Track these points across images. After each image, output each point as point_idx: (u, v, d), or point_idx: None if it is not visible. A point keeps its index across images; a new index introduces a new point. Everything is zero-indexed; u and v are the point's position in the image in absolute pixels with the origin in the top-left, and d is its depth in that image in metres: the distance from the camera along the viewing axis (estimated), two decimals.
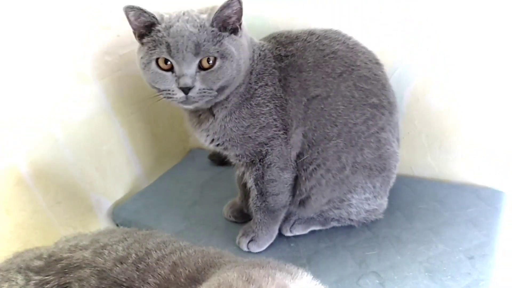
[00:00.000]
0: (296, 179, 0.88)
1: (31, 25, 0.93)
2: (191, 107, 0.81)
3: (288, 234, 0.95)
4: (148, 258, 0.65)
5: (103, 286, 0.62)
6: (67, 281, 0.65)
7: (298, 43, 0.86)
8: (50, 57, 0.98)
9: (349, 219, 0.93)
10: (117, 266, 0.65)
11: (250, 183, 0.88)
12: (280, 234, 0.95)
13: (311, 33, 0.88)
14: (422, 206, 0.98)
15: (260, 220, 0.91)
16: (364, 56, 0.88)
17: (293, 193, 0.90)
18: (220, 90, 0.78)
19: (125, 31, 1.11)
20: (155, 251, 0.67)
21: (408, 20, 0.93)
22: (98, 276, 0.64)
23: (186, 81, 0.75)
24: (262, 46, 0.86)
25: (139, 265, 0.64)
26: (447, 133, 1.02)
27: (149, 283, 0.61)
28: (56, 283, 0.65)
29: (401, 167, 1.07)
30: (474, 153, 1.01)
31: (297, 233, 0.95)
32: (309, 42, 0.86)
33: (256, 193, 0.89)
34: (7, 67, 0.90)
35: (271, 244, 0.94)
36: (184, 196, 1.15)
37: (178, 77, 0.75)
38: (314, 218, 0.94)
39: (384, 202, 0.95)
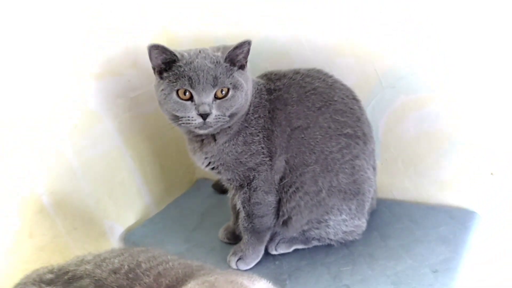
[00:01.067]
0: (279, 202, 1.00)
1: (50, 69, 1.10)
2: (206, 131, 0.94)
3: (274, 252, 1.05)
4: (138, 269, 0.78)
5: None
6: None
7: (285, 80, 1.00)
8: (73, 101, 1.14)
9: (328, 238, 1.02)
10: (112, 275, 0.77)
11: (239, 205, 1.01)
12: (267, 253, 1.05)
13: (296, 72, 1.02)
14: (397, 226, 1.07)
15: (247, 240, 1.03)
16: (342, 92, 1.01)
17: (277, 215, 1.01)
18: (232, 116, 0.92)
19: (135, 76, 1.30)
20: (145, 263, 0.79)
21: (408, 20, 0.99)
22: (95, 285, 0.76)
23: (205, 108, 0.88)
24: (258, 82, 1.00)
25: (129, 274, 0.77)
26: (420, 157, 1.11)
27: None
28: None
29: (383, 191, 1.17)
30: (446, 176, 1.09)
31: (282, 252, 1.05)
32: (294, 79, 1.00)
33: (244, 215, 1.01)
34: (33, 107, 1.06)
35: (258, 262, 1.04)
36: (186, 222, 1.28)
37: (197, 106, 0.89)
38: (297, 238, 1.04)
39: (362, 224, 1.04)
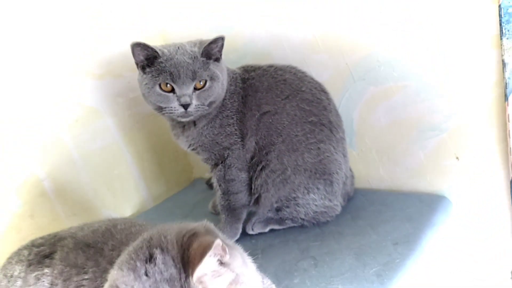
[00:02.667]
0: (251, 180, 1.08)
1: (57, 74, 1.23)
2: (187, 119, 1.04)
3: (251, 232, 1.12)
4: (113, 229, 0.87)
5: (76, 247, 0.84)
6: (55, 249, 0.88)
7: (259, 71, 1.10)
8: (75, 98, 1.27)
9: (301, 218, 1.09)
10: (90, 234, 0.87)
11: (215, 183, 1.09)
12: (245, 233, 1.12)
13: (270, 65, 1.12)
14: (369, 209, 1.13)
15: (225, 219, 1.10)
16: (310, 84, 1.10)
17: (250, 193, 1.09)
18: (210, 104, 1.02)
19: (134, 78, 1.42)
20: (120, 225, 0.88)
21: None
22: (74, 242, 0.86)
23: (186, 99, 0.99)
24: (234, 71, 1.11)
25: (105, 233, 0.86)
26: (392, 146, 1.18)
27: (107, 244, 0.82)
28: (48, 251, 0.88)
29: (360, 181, 1.23)
30: (416, 162, 1.15)
31: (258, 231, 1.11)
32: (267, 71, 1.10)
33: (220, 192, 1.09)
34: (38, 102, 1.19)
35: (236, 240, 1.11)
36: (178, 212, 1.37)
37: (179, 97, 0.99)
38: (272, 218, 1.11)
39: (334, 206, 1.10)
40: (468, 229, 1.11)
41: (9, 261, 0.93)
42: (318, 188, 1.06)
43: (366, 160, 1.23)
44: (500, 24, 0.92)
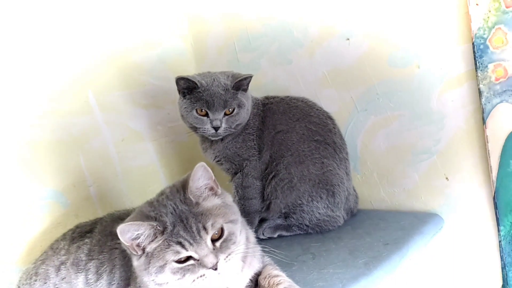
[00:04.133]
0: (264, 189, 1.25)
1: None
2: (216, 139, 1.26)
3: (261, 236, 1.26)
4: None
5: (112, 221, 1.04)
6: (95, 226, 1.07)
7: (277, 99, 1.33)
8: (126, 122, 1.52)
9: (305, 225, 1.23)
10: (125, 212, 1.06)
11: (233, 189, 1.27)
12: (256, 237, 1.27)
13: (287, 96, 1.34)
14: (368, 222, 1.26)
15: None
16: (318, 111, 1.30)
17: (263, 201, 1.26)
18: (236, 126, 1.24)
19: (173, 111, 1.67)
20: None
21: None
22: (111, 218, 1.06)
23: (217, 123, 1.21)
24: (257, 98, 1.33)
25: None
26: (390, 169, 1.33)
27: None
28: (88, 228, 1.07)
29: (363, 203, 1.38)
30: (411, 184, 1.29)
31: (268, 236, 1.26)
32: (283, 99, 1.32)
33: (237, 198, 1.27)
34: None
35: None
36: None
37: (211, 121, 1.21)
38: (280, 224, 1.26)
39: (336, 217, 1.24)
40: (457, 241, 1.21)
41: (57, 240, 1.13)
42: (321, 197, 1.21)
43: (369, 183, 1.38)
44: (475, 59, 1.10)
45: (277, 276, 0.89)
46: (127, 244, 0.79)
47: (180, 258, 0.77)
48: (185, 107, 1.25)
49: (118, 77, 1.54)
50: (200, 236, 0.77)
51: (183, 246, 0.76)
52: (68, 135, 1.40)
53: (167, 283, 0.78)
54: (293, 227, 1.25)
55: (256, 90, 1.38)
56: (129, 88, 1.56)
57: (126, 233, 0.77)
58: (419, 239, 1.11)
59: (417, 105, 1.24)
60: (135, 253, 0.80)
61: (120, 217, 1.04)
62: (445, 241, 1.22)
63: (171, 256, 0.76)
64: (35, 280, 1.03)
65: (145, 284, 0.82)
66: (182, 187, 0.82)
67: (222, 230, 0.79)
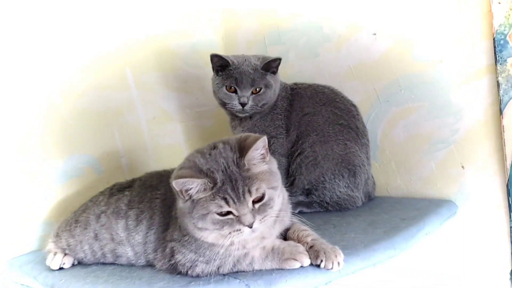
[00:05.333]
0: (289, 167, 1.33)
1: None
2: (243, 115, 1.35)
3: None
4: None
5: (152, 175, 1.12)
6: (134, 183, 1.15)
7: (305, 85, 1.42)
8: (158, 102, 1.62)
9: (326, 202, 1.30)
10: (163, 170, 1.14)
11: None
12: None
13: (314, 83, 1.43)
14: (385, 205, 1.33)
15: None
16: (343, 98, 1.39)
17: (287, 177, 1.33)
18: (262, 106, 1.33)
19: (201, 97, 1.76)
20: None
21: None
22: (150, 174, 1.15)
23: (244, 100, 1.31)
24: (285, 83, 1.42)
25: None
26: (408, 158, 1.40)
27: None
28: (127, 185, 1.15)
29: (380, 190, 1.45)
30: (427, 172, 1.36)
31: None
32: (311, 86, 1.42)
33: None
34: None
35: None
36: None
37: (239, 97, 1.31)
38: (302, 201, 1.33)
39: (355, 197, 1.32)
40: (469, 227, 1.28)
41: (95, 195, 1.20)
42: (343, 176, 1.29)
43: (386, 170, 1.45)
44: (495, 53, 1.19)
45: (305, 230, 0.96)
46: (177, 190, 0.85)
47: (222, 212, 0.83)
48: (217, 83, 1.35)
49: (155, 59, 1.64)
50: (244, 198, 0.83)
51: (227, 202, 0.82)
52: (107, 107, 1.50)
53: (206, 229, 0.85)
54: (314, 204, 1.32)
55: (283, 80, 1.47)
56: (163, 71, 1.66)
57: (179, 185, 0.83)
58: (434, 218, 1.18)
59: (437, 97, 1.32)
60: (182, 197, 0.86)
61: (160, 172, 1.12)
62: (458, 227, 1.28)
63: (214, 208, 0.83)
64: (75, 227, 1.11)
65: (185, 225, 0.89)
66: (239, 150, 0.86)
67: (263, 194, 0.86)
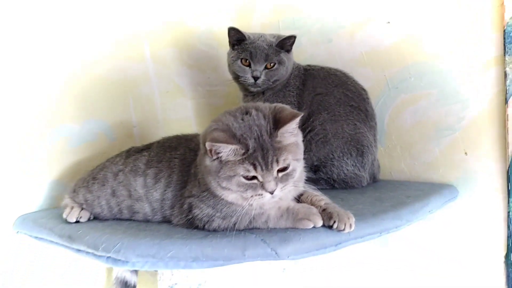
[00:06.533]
0: None
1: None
2: (255, 90, 1.40)
3: None
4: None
5: (171, 137, 1.16)
6: (151, 145, 1.18)
7: (317, 67, 1.47)
8: (169, 75, 1.65)
9: (333, 179, 1.35)
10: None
11: None
12: None
13: (326, 66, 1.47)
14: (389, 186, 1.38)
15: None
16: (354, 82, 1.44)
17: None
18: (274, 81, 1.38)
19: (213, 76, 1.80)
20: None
21: None
22: (168, 137, 1.17)
23: (257, 74, 1.36)
24: (299, 64, 1.47)
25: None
26: (413, 143, 1.45)
27: (196, 138, 1.12)
28: (144, 148, 1.18)
29: (383, 174, 1.50)
30: (432, 157, 1.41)
31: None
32: (323, 68, 1.46)
33: None
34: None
35: None
36: None
37: (252, 71, 1.36)
38: (309, 177, 1.34)
39: (361, 176, 1.36)
40: (468, 212, 1.33)
41: (112, 156, 1.23)
42: (351, 154, 1.33)
43: (391, 155, 1.50)
44: (504, 44, 1.24)
45: (318, 195, 1.00)
46: (207, 149, 0.88)
47: (248, 176, 0.87)
48: (232, 57, 1.40)
49: (172, 36, 1.68)
50: (271, 166, 0.87)
51: (255, 168, 0.86)
52: (123, 77, 1.53)
53: (229, 189, 0.89)
54: (320, 181, 1.37)
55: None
56: (179, 47, 1.70)
57: (212, 146, 0.86)
58: (437, 198, 1.23)
59: (446, 86, 1.37)
60: (210, 156, 0.89)
61: (178, 135, 1.16)
62: (458, 210, 1.33)
63: (241, 172, 0.87)
64: (93, 184, 1.14)
65: (208, 182, 0.92)
66: (273, 121, 0.89)
67: (288, 165, 0.90)
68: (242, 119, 0.90)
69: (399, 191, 1.29)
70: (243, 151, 0.87)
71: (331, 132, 1.33)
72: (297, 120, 0.89)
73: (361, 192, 1.30)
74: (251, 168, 0.86)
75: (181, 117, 1.71)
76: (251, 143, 0.87)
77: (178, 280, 1.18)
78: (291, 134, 0.91)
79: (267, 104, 0.94)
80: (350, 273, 1.56)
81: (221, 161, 0.88)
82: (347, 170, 1.34)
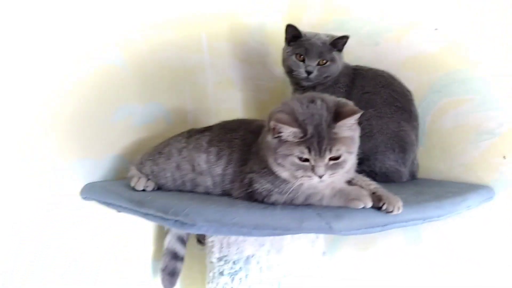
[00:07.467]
0: None
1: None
2: (307, 84, 1.49)
3: None
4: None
5: (231, 120, 1.26)
6: (211, 127, 1.29)
7: (366, 67, 1.56)
8: (226, 70, 1.77)
9: (375, 173, 1.43)
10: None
11: None
12: None
13: (374, 67, 1.56)
14: (427, 184, 1.45)
15: None
16: (400, 83, 1.52)
17: None
18: (325, 78, 1.48)
19: (262, 71, 1.90)
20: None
21: None
22: (227, 121, 1.27)
23: (310, 68, 1.46)
24: (348, 64, 1.57)
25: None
26: (453, 145, 1.52)
27: (256, 121, 1.22)
28: (204, 128, 1.29)
29: (421, 173, 1.57)
30: (471, 159, 1.48)
31: None
32: (371, 69, 1.55)
33: None
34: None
35: None
36: None
37: (306, 66, 1.46)
38: None
39: (402, 172, 1.44)
40: (504, 215, 1.39)
41: (174, 135, 1.34)
42: (394, 150, 1.41)
43: (430, 155, 1.57)
44: None
45: (367, 180, 1.09)
46: (271, 127, 0.98)
47: (301, 157, 0.97)
48: (287, 52, 1.50)
49: (227, 29, 1.79)
50: (324, 154, 0.97)
51: (309, 152, 0.96)
52: (181, 66, 1.65)
53: (283, 166, 0.99)
54: (363, 173, 1.44)
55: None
56: (233, 41, 1.81)
57: (275, 125, 0.96)
58: (475, 195, 1.29)
59: (487, 92, 1.44)
60: (271, 134, 0.99)
61: (238, 119, 1.27)
62: (493, 212, 1.40)
63: (296, 152, 0.97)
64: (159, 157, 1.26)
65: (266, 157, 1.02)
66: (334, 114, 0.97)
67: (340, 156, 0.99)
68: (307, 106, 1.00)
69: (438, 187, 1.36)
70: (301, 134, 0.96)
71: (376, 128, 1.42)
72: (356, 116, 0.99)
73: (401, 186, 1.38)
74: (305, 151, 0.96)
75: (230, 107, 1.82)
76: (310, 129, 0.96)
77: (227, 252, 1.28)
78: (348, 128, 1.00)
79: (332, 97, 1.04)
80: (383, 265, 1.63)
81: (280, 139, 0.98)
82: (389, 164, 1.42)
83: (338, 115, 0.98)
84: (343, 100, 1.03)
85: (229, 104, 1.82)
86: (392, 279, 1.62)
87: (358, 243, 1.73)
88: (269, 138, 1.01)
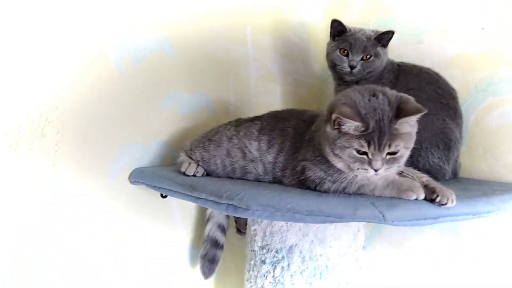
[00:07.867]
0: None
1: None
2: (349, 79, 1.51)
3: None
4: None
5: (281, 110, 1.28)
6: (257, 117, 1.31)
7: (410, 64, 1.57)
8: (271, 65, 1.80)
9: (418, 169, 1.40)
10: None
11: None
12: None
13: (418, 64, 1.57)
14: (468, 181, 1.45)
15: None
16: (445, 81, 1.52)
17: None
18: (368, 73, 1.49)
19: (302, 66, 1.92)
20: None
21: None
22: (276, 111, 1.30)
23: (353, 63, 1.47)
24: (392, 60, 1.57)
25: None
26: (496, 145, 1.52)
27: (307, 111, 1.24)
28: (252, 117, 1.31)
29: (463, 172, 1.57)
30: None
31: None
32: (415, 65, 1.56)
33: None
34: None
35: None
36: None
37: (349, 60, 1.48)
38: None
39: (445, 169, 1.43)
40: None
41: (222, 124, 1.37)
42: (438, 147, 1.42)
43: (472, 154, 1.57)
44: None
45: (418, 172, 1.10)
46: (333, 118, 0.99)
47: (360, 150, 0.99)
48: (332, 46, 1.52)
49: (271, 24, 1.82)
50: (383, 148, 0.98)
51: (368, 146, 0.97)
52: (226, 57, 1.68)
53: (340, 157, 1.01)
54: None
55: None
56: (275, 36, 1.84)
57: (337, 118, 0.97)
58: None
59: None
60: (332, 125, 1.01)
61: (288, 109, 1.29)
62: None
63: (356, 145, 0.98)
64: (209, 144, 1.29)
65: (323, 147, 1.04)
66: (396, 109, 0.98)
67: (398, 151, 1.01)
68: (369, 100, 1.00)
69: (482, 186, 1.36)
70: (363, 128, 0.97)
71: (421, 124, 1.41)
72: (419, 115, 1.00)
73: (445, 183, 1.38)
74: (365, 144, 0.98)
75: (269, 100, 1.84)
76: (372, 124, 0.97)
77: (270, 241, 1.31)
78: (409, 125, 1.02)
79: (394, 92, 1.04)
80: (417, 264, 1.64)
81: (340, 131, 1.00)
82: (433, 161, 1.42)
83: (400, 111, 0.99)
84: (405, 95, 1.04)
85: (269, 98, 1.84)
86: (425, 278, 1.63)
87: (393, 241, 1.73)
88: (328, 128, 1.02)
